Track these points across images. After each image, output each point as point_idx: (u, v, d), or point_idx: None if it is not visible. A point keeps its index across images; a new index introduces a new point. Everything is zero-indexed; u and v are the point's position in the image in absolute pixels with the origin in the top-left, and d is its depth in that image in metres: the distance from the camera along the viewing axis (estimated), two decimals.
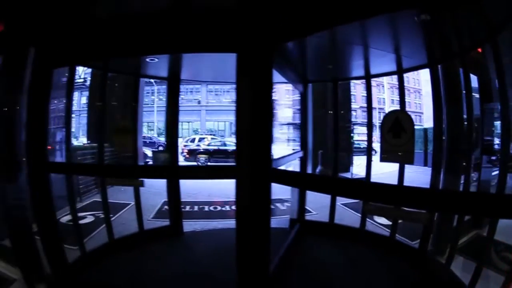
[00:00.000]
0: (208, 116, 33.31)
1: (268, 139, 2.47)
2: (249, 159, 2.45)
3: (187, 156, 15.81)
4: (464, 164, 3.61)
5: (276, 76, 3.15)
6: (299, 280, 3.27)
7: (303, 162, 4.76)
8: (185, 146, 17.27)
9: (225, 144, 17.25)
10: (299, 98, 4.75)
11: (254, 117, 2.42)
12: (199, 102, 33.21)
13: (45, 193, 2.98)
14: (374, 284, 3.24)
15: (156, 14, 2.49)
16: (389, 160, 2.69)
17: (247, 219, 2.52)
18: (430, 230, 3.69)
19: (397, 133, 2.53)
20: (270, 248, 2.61)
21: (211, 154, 16.09)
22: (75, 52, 2.97)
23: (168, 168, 4.34)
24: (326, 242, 4.29)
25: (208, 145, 17.49)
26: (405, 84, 3.78)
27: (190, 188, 8.00)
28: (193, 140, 19.36)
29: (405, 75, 3.80)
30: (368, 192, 2.01)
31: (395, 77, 3.93)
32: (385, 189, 1.85)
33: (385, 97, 29.98)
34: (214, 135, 27.38)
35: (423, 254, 3.67)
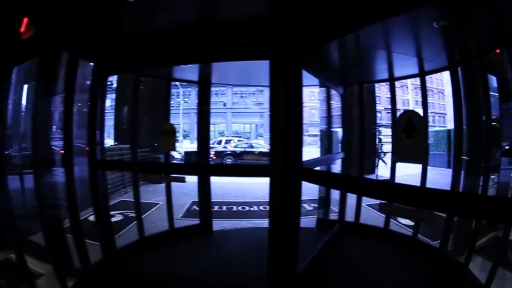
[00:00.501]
0: (234, 118, 33.62)
1: (299, 140, 2.65)
2: (282, 158, 2.61)
3: (214, 158, 16.07)
4: (484, 165, 3.60)
5: (312, 79, 3.38)
6: (330, 280, 3.33)
7: (344, 163, 4.85)
8: (211, 148, 17.54)
9: (251, 146, 17.42)
10: (340, 100, 4.81)
11: (286, 119, 2.59)
12: (224, 105, 33.56)
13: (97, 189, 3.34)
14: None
15: (197, 26, 2.71)
16: (402, 160, 2.77)
17: (279, 217, 2.67)
18: (450, 231, 3.70)
19: (410, 133, 2.59)
20: (299, 247, 2.74)
21: (238, 156, 16.30)
22: (127, 62, 3.38)
23: (202, 165, 4.76)
24: (364, 244, 4.30)
25: (235, 147, 17.70)
26: (429, 85, 3.83)
27: (219, 189, 8.20)
28: (219, 142, 19.62)
29: (428, 76, 3.84)
30: (391, 193, 2.07)
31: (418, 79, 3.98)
32: (407, 191, 1.90)
33: (409, 98, 29.38)
34: (240, 137, 27.59)
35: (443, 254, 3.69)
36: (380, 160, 15.39)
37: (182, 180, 3.51)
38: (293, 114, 2.61)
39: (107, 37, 2.98)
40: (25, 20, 2.71)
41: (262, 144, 18.10)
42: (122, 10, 2.38)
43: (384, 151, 15.88)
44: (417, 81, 4.17)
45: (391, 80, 4.25)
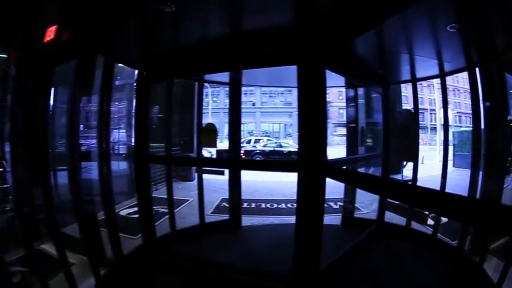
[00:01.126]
0: (263, 118, 33.87)
1: (323, 139, 2.79)
2: (308, 155, 2.78)
3: (243, 156, 16.33)
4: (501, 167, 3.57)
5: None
6: (353, 278, 3.40)
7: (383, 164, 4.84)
8: (241, 147, 17.78)
9: (280, 146, 17.58)
10: (381, 100, 4.84)
11: (312, 120, 2.75)
12: (254, 104, 33.88)
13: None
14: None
15: (228, 37, 2.95)
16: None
17: (305, 212, 2.83)
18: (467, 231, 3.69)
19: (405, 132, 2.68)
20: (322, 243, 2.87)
21: (267, 155, 16.49)
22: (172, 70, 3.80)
23: (234, 160, 5.23)
24: (395, 244, 4.30)
25: (264, 146, 17.92)
26: (455, 84, 3.84)
27: (248, 188, 8.40)
28: (249, 142, 19.91)
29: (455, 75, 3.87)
30: (412, 196, 2.06)
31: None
32: (427, 194, 1.88)
33: (435, 98, 28.59)
34: (269, 136, 27.78)
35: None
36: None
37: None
38: (317, 114, 2.75)
39: (155, 48, 3.33)
40: (54, 28, 2.93)
41: (291, 144, 18.20)
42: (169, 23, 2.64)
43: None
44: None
45: (414, 81, 4.28)
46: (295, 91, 3.12)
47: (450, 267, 3.63)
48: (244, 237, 4.64)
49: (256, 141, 19.80)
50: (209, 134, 4.66)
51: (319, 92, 2.78)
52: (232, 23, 2.73)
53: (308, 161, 2.79)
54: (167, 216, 4.58)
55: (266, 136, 27.45)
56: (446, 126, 4.59)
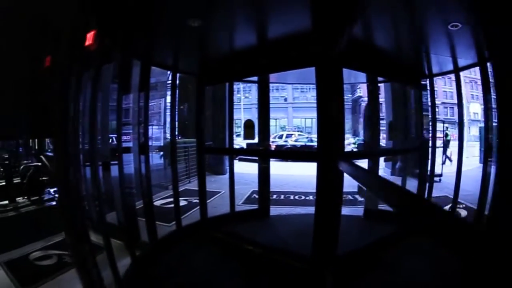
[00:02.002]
0: (295, 113, 33.89)
1: (341, 133, 3.15)
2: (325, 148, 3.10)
3: None
4: None
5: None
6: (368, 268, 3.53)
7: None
8: (272, 142, 18.18)
9: (311, 140, 17.75)
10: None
11: (330, 115, 3.06)
12: (285, 100, 33.98)
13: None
14: None
15: (258, 45, 3.35)
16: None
17: (323, 201, 3.13)
18: None
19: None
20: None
21: (298, 149, 16.75)
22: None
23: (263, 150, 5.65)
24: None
25: (295, 141, 18.15)
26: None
27: (278, 181, 8.71)
28: (281, 137, 20.20)
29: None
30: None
31: (473, 70, 4.11)
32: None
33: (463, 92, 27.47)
34: (301, 131, 27.87)
35: None
36: (446, 158, 14.52)
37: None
38: (335, 110, 3.04)
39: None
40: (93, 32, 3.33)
41: None
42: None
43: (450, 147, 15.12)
44: (471, 73, 4.28)
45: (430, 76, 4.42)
46: None
47: None
48: (271, 224, 4.95)
49: (288, 136, 20.04)
50: (249, 129, 5.45)
51: (337, 90, 3.07)
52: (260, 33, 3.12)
53: (325, 151, 3.10)
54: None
55: (298, 131, 27.56)
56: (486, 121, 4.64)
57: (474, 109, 29.12)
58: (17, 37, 4.22)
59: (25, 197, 5.77)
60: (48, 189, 6.02)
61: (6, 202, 5.54)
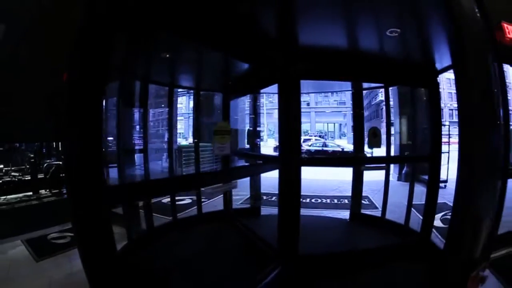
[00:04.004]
0: (318, 118, 34.20)
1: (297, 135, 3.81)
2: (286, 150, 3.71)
3: None
4: None
5: None
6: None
7: None
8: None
9: (326, 145, 18.20)
10: None
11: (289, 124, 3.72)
12: (308, 104, 34.35)
13: None
14: None
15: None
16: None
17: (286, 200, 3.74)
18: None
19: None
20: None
21: (312, 154, 17.22)
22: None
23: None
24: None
25: (311, 145, 18.62)
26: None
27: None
28: (305, 141, 20.76)
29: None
30: None
31: None
32: None
33: None
34: (322, 136, 28.16)
35: None
36: None
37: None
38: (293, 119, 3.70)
39: None
40: None
41: (337, 144, 18.70)
42: None
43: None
44: None
45: None
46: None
47: None
48: (257, 222, 5.57)
49: (305, 140, 20.50)
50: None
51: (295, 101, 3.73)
52: None
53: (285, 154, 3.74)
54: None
55: (319, 136, 27.88)
56: None
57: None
58: (43, 56, 5.11)
59: (47, 190, 6.80)
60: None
61: (31, 193, 6.56)
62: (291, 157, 3.69)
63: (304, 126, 33.94)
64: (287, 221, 3.68)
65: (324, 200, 7.95)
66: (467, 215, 1.28)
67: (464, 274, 1.15)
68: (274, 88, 5.47)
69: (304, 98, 33.52)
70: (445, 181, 9.40)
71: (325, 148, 17.76)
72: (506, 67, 4.37)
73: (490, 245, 1.28)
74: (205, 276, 3.46)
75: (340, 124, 33.85)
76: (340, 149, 17.61)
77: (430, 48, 3.66)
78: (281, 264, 3.54)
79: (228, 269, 3.60)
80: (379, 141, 5.02)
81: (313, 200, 7.93)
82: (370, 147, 5.28)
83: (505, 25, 4.36)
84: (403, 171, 10.12)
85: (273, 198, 7.66)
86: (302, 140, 15.78)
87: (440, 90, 4.46)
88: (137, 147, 5.14)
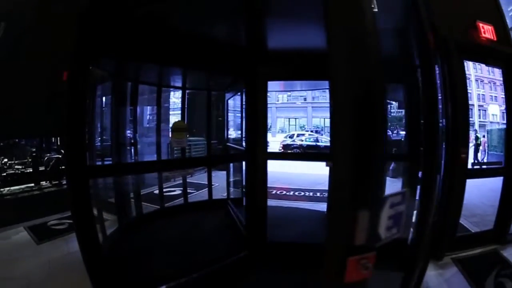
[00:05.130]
0: (314, 113, 34.53)
1: (263, 134, 4.21)
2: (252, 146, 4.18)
3: (282, 150, 17.73)
4: None
5: None
6: None
7: None
8: (283, 141, 19.34)
9: (317, 140, 18.69)
10: None
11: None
12: (305, 99, 34.72)
13: None
14: None
15: None
16: None
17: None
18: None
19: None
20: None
21: (304, 149, 17.72)
22: None
23: None
24: None
25: (305, 140, 19.10)
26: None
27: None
28: (292, 136, 21.22)
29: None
30: None
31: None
32: None
33: (485, 93, 26.98)
34: (318, 131, 28.52)
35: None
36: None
37: None
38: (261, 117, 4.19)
39: None
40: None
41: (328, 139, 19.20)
42: None
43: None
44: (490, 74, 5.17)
45: None
46: None
47: None
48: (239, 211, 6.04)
49: (299, 135, 20.96)
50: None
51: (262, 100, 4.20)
52: None
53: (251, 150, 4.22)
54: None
55: (316, 131, 28.27)
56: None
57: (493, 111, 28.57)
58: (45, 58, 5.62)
59: (47, 181, 7.39)
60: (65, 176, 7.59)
61: (33, 184, 7.15)
62: (258, 151, 4.15)
63: (301, 121, 34.41)
64: (255, 210, 4.16)
65: (307, 193, 8.46)
66: (343, 204, 1.47)
67: (342, 258, 1.39)
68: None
69: (301, 93, 34.06)
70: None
71: (317, 144, 18.24)
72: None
73: (376, 237, 1.47)
74: (180, 252, 3.96)
75: None
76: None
77: None
78: (248, 248, 4.02)
79: (202, 249, 4.10)
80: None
81: (296, 193, 8.45)
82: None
83: (481, 24, 4.57)
84: (390, 167, 10.56)
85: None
86: (296, 135, 16.28)
87: None
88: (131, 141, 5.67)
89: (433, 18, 3.45)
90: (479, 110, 28.89)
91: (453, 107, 4.25)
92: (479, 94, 29.46)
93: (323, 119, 34.46)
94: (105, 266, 2.88)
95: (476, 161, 14.38)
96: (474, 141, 14.90)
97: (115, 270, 3.14)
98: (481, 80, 29.64)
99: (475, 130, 17.35)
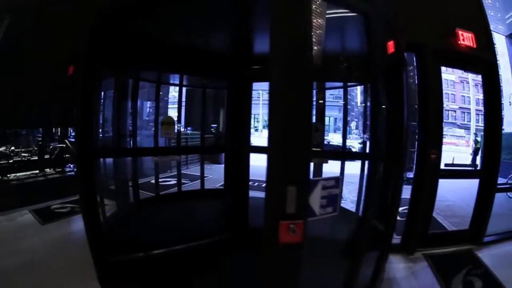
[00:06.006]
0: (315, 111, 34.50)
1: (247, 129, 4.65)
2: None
3: None
4: None
5: None
6: None
7: None
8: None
9: None
10: None
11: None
12: None
13: None
14: None
15: None
16: None
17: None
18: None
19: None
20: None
21: None
22: None
23: None
24: None
25: None
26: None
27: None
28: None
29: None
30: None
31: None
32: None
33: (471, 96, 27.23)
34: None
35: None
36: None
37: None
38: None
39: None
40: None
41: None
42: None
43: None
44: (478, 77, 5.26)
45: None
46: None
47: None
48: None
49: None
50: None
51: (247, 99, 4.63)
52: None
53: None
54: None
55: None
56: None
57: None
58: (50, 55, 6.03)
59: (52, 169, 7.87)
60: (69, 164, 8.19)
61: (37, 171, 7.63)
62: (241, 145, 4.57)
63: None
64: (238, 199, 4.65)
65: None
66: (276, 180, 1.86)
67: (275, 222, 1.80)
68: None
69: None
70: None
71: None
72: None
73: (305, 207, 1.92)
74: (172, 229, 4.38)
75: (336, 118, 34.41)
76: (326, 143, 18.38)
77: None
78: (232, 231, 4.51)
79: (193, 227, 4.52)
80: (321, 136, 5.91)
81: None
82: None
83: (460, 32, 4.73)
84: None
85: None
86: None
87: None
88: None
89: (400, 26, 3.70)
90: (477, 115, 29.19)
91: (425, 110, 4.59)
92: (478, 99, 29.73)
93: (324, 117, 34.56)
94: (104, 236, 3.36)
95: (472, 164, 14.08)
96: (474, 145, 15.12)
97: (112, 240, 3.61)
98: (481, 85, 29.96)
99: (475, 134, 17.34)
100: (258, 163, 4.35)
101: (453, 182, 5.38)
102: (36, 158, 7.89)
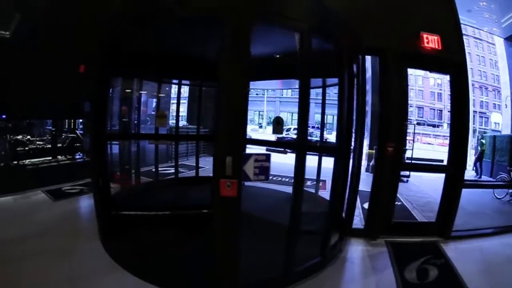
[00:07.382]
0: (317, 109, 34.69)
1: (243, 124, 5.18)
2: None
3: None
4: None
5: None
6: None
7: None
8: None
9: (310, 135, 19.50)
10: None
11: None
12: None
13: None
14: None
15: None
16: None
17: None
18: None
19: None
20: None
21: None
22: None
23: None
24: None
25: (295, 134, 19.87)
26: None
27: None
28: (288, 130, 22.11)
29: None
30: None
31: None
32: None
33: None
34: (313, 127, 28.94)
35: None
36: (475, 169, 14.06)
37: None
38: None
39: None
40: None
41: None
42: None
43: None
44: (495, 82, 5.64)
45: None
46: None
47: None
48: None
49: (295, 129, 21.55)
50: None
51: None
52: None
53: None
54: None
55: (312, 127, 28.79)
56: None
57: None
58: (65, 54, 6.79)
59: (63, 156, 8.93)
60: (79, 152, 9.27)
61: (50, 158, 8.69)
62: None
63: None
64: None
65: (283, 179, 9.64)
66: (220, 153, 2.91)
67: (217, 179, 2.73)
68: None
69: None
70: (408, 176, 10.76)
71: (309, 138, 18.98)
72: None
73: (239, 172, 2.81)
74: (168, 202, 5.34)
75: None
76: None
77: None
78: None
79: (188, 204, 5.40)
80: (281, 129, 6.44)
81: (274, 178, 9.57)
82: (274, 133, 6.64)
83: (425, 35, 4.84)
84: (370, 164, 10.78)
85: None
86: (292, 129, 17.14)
87: None
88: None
89: (360, 32, 4.28)
90: (481, 117, 29.26)
91: (386, 109, 4.99)
92: (482, 101, 29.81)
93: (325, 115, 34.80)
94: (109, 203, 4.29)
95: (474, 168, 14.02)
96: (479, 148, 14.00)
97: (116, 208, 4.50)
98: (485, 87, 30.05)
99: (480, 136, 16.63)
100: None
101: (441, 181, 5.38)
102: (50, 146, 8.80)
